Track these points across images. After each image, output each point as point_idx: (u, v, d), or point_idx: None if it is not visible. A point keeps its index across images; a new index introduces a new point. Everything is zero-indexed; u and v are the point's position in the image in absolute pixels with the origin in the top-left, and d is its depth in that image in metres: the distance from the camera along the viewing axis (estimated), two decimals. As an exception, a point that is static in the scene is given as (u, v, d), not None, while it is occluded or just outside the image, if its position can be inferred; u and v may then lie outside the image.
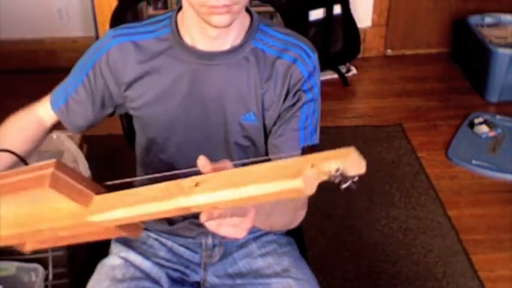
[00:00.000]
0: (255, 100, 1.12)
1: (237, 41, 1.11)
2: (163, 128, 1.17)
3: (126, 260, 1.23)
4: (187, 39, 1.11)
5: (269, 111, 1.14)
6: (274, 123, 1.16)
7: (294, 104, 1.13)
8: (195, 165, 0.86)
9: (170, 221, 1.27)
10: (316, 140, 1.17)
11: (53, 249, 1.67)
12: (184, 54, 1.11)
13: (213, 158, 1.10)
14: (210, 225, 0.78)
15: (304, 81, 1.12)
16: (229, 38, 1.10)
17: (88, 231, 0.83)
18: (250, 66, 1.11)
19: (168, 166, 1.20)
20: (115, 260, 1.23)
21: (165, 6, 2.98)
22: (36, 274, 1.58)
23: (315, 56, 1.14)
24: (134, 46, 1.12)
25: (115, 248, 1.27)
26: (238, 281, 1.23)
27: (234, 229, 0.80)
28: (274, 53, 1.12)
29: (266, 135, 1.17)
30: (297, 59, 1.12)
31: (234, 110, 1.13)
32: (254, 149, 1.19)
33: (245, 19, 1.13)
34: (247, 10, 1.15)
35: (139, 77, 1.13)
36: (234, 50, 1.11)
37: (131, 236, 0.86)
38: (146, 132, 1.21)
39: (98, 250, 1.32)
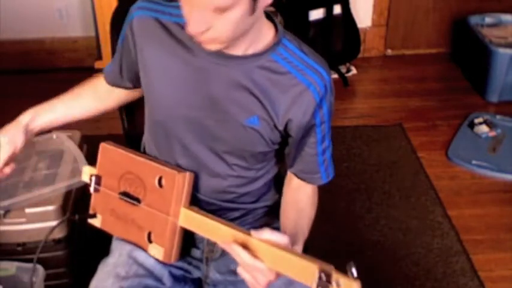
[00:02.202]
0: (261, 106, 1.12)
1: (255, 49, 1.10)
2: (162, 111, 1.19)
3: (128, 257, 1.24)
4: None
5: (270, 121, 1.14)
6: (282, 143, 1.20)
7: (307, 133, 1.16)
8: (185, 154, 1.20)
9: None
10: (332, 173, 1.27)
11: (53, 249, 1.68)
12: (200, 49, 1.09)
13: (203, 156, 1.19)
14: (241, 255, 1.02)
15: (315, 107, 1.12)
16: (241, 47, 1.08)
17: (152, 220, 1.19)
18: (263, 75, 1.11)
19: (162, 147, 1.24)
20: (118, 258, 1.24)
21: (165, 6, 2.97)
22: (36, 274, 1.58)
23: (329, 79, 1.14)
24: (155, 23, 1.14)
25: (117, 245, 1.28)
26: (240, 277, 1.23)
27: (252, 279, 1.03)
28: (290, 71, 1.11)
29: (266, 143, 1.17)
30: (311, 84, 1.11)
31: (238, 112, 1.13)
32: (248, 157, 1.20)
33: (268, 30, 1.12)
34: (273, 21, 1.14)
35: (153, 53, 1.15)
36: (249, 57, 1.10)
37: (164, 257, 1.18)
38: (147, 106, 1.24)
39: (97, 250, 1.32)
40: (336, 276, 0.94)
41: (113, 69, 1.28)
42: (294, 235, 1.16)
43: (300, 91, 1.11)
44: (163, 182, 1.18)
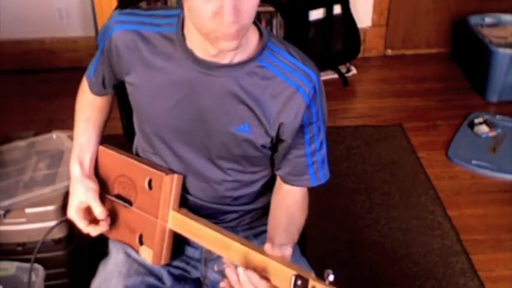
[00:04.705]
0: (252, 114, 1.12)
1: (242, 56, 1.09)
2: (151, 121, 1.18)
3: (128, 256, 1.24)
4: (190, 44, 1.10)
5: (261, 128, 1.13)
6: (274, 149, 1.18)
7: (297, 134, 1.15)
8: (171, 164, 1.20)
9: None
10: (324, 177, 1.23)
11: (53, 249, 1.68)
12: (186, 60, 1.10)
13: (196, 163, 1.19)
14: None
15: (305, 108, 1.12)
16: (230, 53, 1.08)
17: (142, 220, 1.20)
18: (252, 81, 1.10)
19: (153, 154, 1.23)
20: (118, 257, 1.25)
21: (165, 6, 2.98)
22: (36, 274, 1.58)
23: (317, 79, 1.13)
24: (138, 36, 1.12)
25: (114, 246, 1.28)
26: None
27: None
28: (278, 74, 1.11)
29: (258, 149, 1.17)
30: (300, 86, 1.10)
31: (228, 121, 1.12)
32: (241, 161, 1.20)
33: (252, 35, 1.11)
34: (256, 25, 1.13)
35: (139, 67, 1.13)
36: (237, 65, 1.09)
37: (154, 260, 1.19)
38: (136, 116, 1.24)
39: (97, 250, 1.32)
40: (312, 282, 0.95)
41: (96, 81, 1.26)
42: (286, 243, 1.15)
43: (290, 94, 1.10)
44: (152, 184, 1.18)
